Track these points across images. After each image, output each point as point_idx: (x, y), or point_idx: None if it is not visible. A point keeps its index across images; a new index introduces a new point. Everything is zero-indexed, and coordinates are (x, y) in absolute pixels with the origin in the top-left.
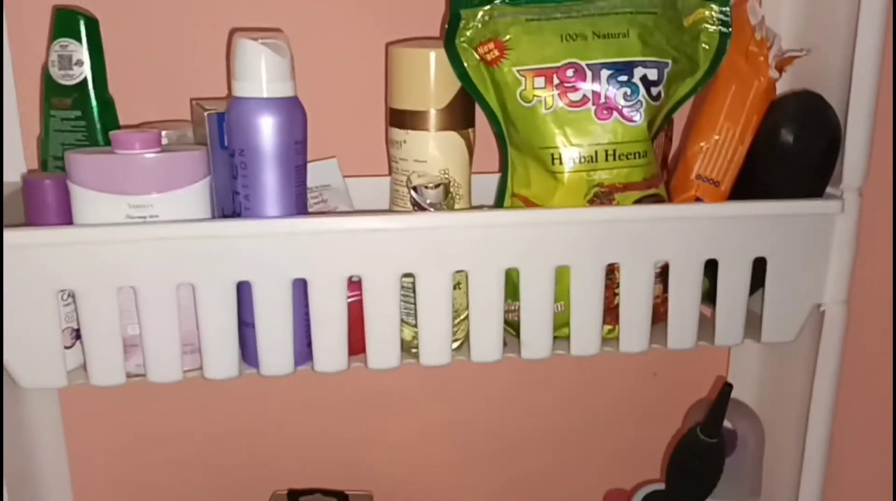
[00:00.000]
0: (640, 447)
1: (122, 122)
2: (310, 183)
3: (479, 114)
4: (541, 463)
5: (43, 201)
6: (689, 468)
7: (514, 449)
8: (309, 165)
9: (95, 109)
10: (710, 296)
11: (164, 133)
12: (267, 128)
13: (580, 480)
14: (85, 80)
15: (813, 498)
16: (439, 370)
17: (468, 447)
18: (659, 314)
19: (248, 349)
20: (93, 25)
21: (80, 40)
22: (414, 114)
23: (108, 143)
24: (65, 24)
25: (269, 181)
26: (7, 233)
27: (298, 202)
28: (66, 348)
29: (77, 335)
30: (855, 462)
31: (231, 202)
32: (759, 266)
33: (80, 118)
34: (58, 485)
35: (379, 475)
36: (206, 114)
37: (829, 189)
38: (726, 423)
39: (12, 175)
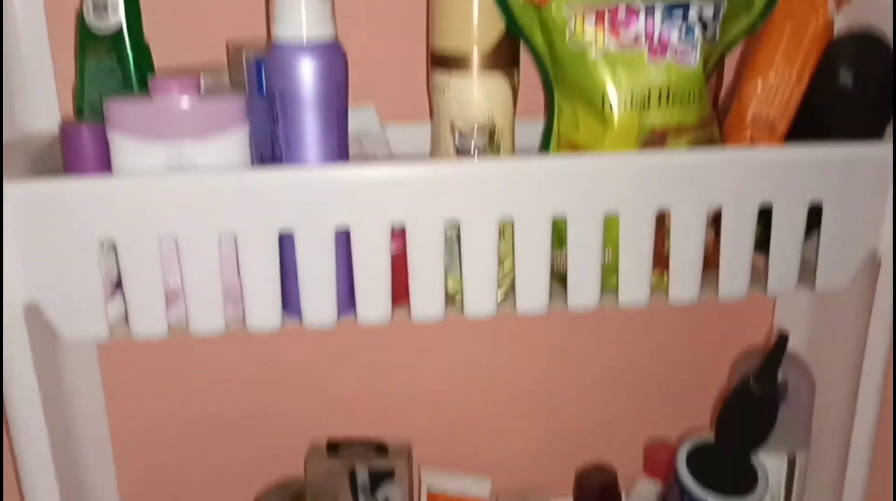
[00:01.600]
0: (681, 398)
1: (157, 66)
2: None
3: (523, 53)
4: (580, 414)
5: (81, 150)
6: (742, 420)
7: (553, 400)
8: None
9: (131, 56)
10: (760, 244)
11: (202, 77)
12: (308, 74)
13: (620, 431)
14: (120, 26)
15: (865, 450)
16: (482, 323)
17: (508, 397)
18: (709, 262)
19: (290, 300)
20: None
21: None
22: (457, 56)
23: (143, 90)
24: None
25: (310, 127)
26: (46, 183)
27: (340, 148)
28: (108, 300)
29: (117, 286)
30: None
31: (270, 148)
32: (813, 211)
33: (116, 65)
34: (97, 438)
35: (418, 426)
36: (244, 60)
37: (889, 130)
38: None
39: (48, 124)
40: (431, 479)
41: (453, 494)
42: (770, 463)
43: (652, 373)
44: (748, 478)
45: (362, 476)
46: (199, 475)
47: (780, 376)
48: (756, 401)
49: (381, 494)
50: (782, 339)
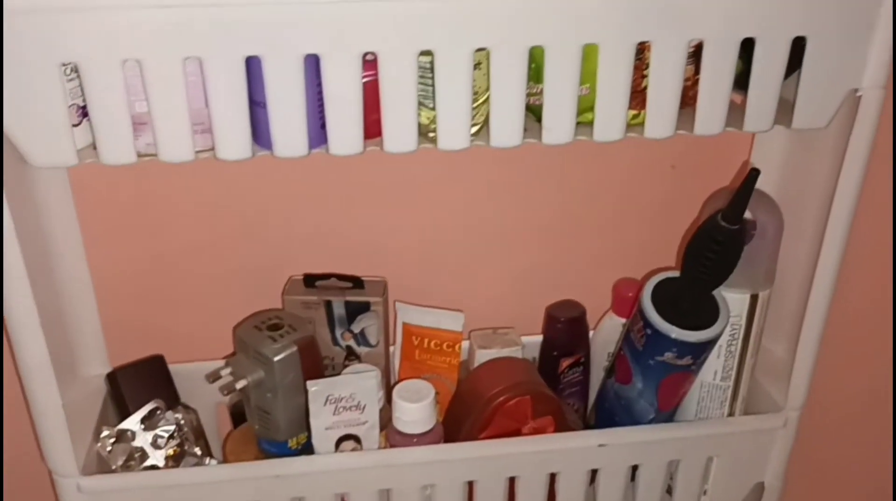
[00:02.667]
0: (655, 238)
1: None
2: None
3: None
4: (552, 253)
5: None
6: (707, 254)
7: (526, 239)
8: None
9: None
10: (738, 82)
11: None
12: None
13: (590, 271)
14: None
15: (824, 292)
16: (454, 156)
17: (481, 235)
18: (687, 99)
19: (260, 131)
20: None
21: None
22: None
23: None
24: None
25: None
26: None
27: None
28: (74, 125)
29: (84, 113)
30: (871, 256)
31: None
32: (795, 48)
33: None
34: (76, 268)
35: (392, 261)
36: None
37: None
38: (746, 211)
39: None
40: (406, 313)
41: (427, 326)
42: (733, 299)
43: (625, 213)
44: (711, 312)
45: (339, 309)
46: (179, 308)
47: (749, 213)
48: (722, 237)
49: (357, 326)
50: (752, 174)
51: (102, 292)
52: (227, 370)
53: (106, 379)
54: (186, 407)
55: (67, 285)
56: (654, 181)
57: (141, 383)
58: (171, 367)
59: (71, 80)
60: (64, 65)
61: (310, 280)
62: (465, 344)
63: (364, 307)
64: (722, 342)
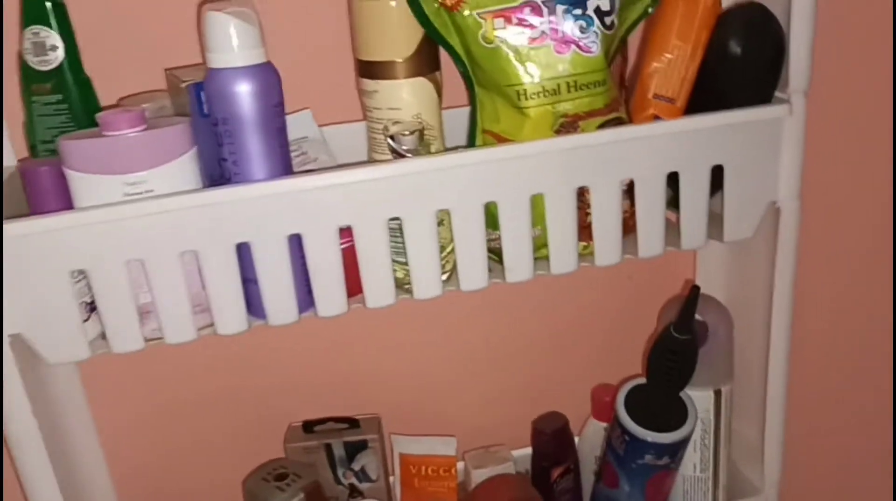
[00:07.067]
0: (620, 347)
1: (101, 98)
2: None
3: (444, 53)
4: (531, 370)
5: (42, 188)
6: (667, 363)
7: (505, 362)
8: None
9: (75, 91)
10: (673, 202)
11: (145, 107)
12: (245, 96)
13: (568, 381)
14: (61, 63)
15: (780, 377)
16: (431, 302)
17: (464, 364)
18: (628, 227)
19: (254, 304)
20: (60, 9)
21: (50, 26)
22: (382, 64)
23: (90, 123)
24: (33, 10)
25: (254, 146)
26: (14, 223)
27: (284, 161)
28: (84, 321)
29: (91, 308)
30: (818, 341)
31: (218, 167)
32: (717, 171)
33: (62, 101)
34: (86, 441)
35: (384, 400)
36: (183, 85)
37: (777, 93)
38: (698, 316)
39: (5, 161)
40: (402, 444)
41: (422, 455)
42: (698, 397)
43: (593, 327)
44: (680, 412)
45: (339, 450)
46: (191, 468)
47: (700, 317)
48: (677, 345)
49: (357, 464)
50: (693, 291)
51: (112, 456)
52: None
53: None
54: None
55: (81, 463)
56: (614, 294)
57: None
58: None
59: (78, 281)
60: (73, 271)
61: (308, 426)
62: (459, 466)
63: (362, 446)
64: (696, 436)
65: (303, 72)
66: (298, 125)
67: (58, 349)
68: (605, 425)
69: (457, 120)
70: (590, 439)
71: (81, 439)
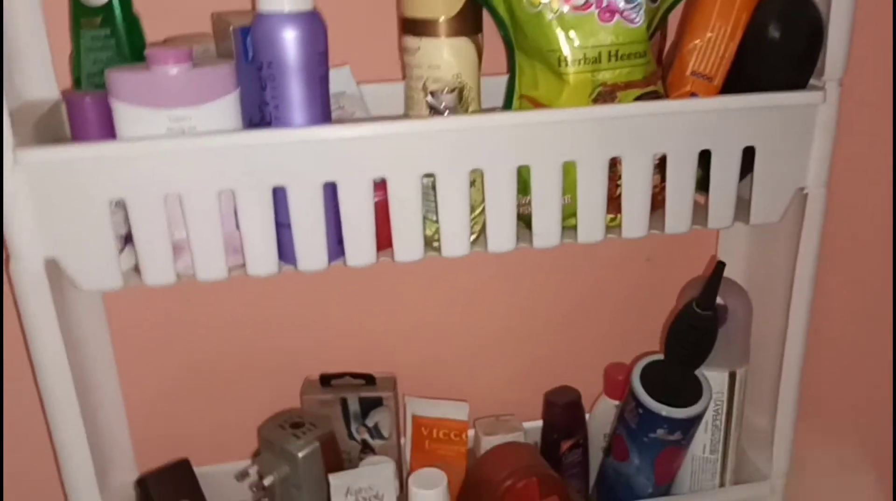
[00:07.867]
0: (638, 325)
1: (147, 37)
2: None
3: (486, 19)
4: (547, 345)
5: (86, 118)
6: (686, 338)
7: (522, 334)
8: None
9: (123, 27)
10: (702, 184)
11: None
12: (291, 42)
13: (582, 359)
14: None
15: (795, 365)
16: (454, 273)
17: (481, 332)
18: (657, 202)
19: (285, 248)
20: None
21: None
22: (426, 21)
23: (136, 59)
24: None
25: (296, 92)
26: (58, 148)
27: (324, 110)
28: (119, 252)
29: (126, 240)
30: (836, 330)
31: (259, 112)
32: (748, 154)
33: (110, 36)
34: (107, 381)
35: (401, 361)
36: (231, 28)
37: (812, 81)
38: (717, 298)
39: (47, 92)
40: (415, 406)
41: (435, 417)
42: (713, 377)
43: (610, 306)
44: (695, 390)
45: (353, 405)
46: (204, 411)
47: (719, 300)
48: (698, 323)
49: (370, 421)
50: (719, 267)
51: (130, 399)
52: (254, 469)
53: (135, 485)
54: None
55: (99, 397)
56: (633, 273)
57: (169, 487)
58: (197, 469)
59: (115, 212)
60: (111, 201)
61: (325, 380)
62: (470, 433)
63: (377, 402)
64: (708, 417)
65: (345, 27)
66: (337, 80)
67: (91, 276)
68: (616, 403)
69: (493, 87)
70: (600, 416)
71: (100, 371)
